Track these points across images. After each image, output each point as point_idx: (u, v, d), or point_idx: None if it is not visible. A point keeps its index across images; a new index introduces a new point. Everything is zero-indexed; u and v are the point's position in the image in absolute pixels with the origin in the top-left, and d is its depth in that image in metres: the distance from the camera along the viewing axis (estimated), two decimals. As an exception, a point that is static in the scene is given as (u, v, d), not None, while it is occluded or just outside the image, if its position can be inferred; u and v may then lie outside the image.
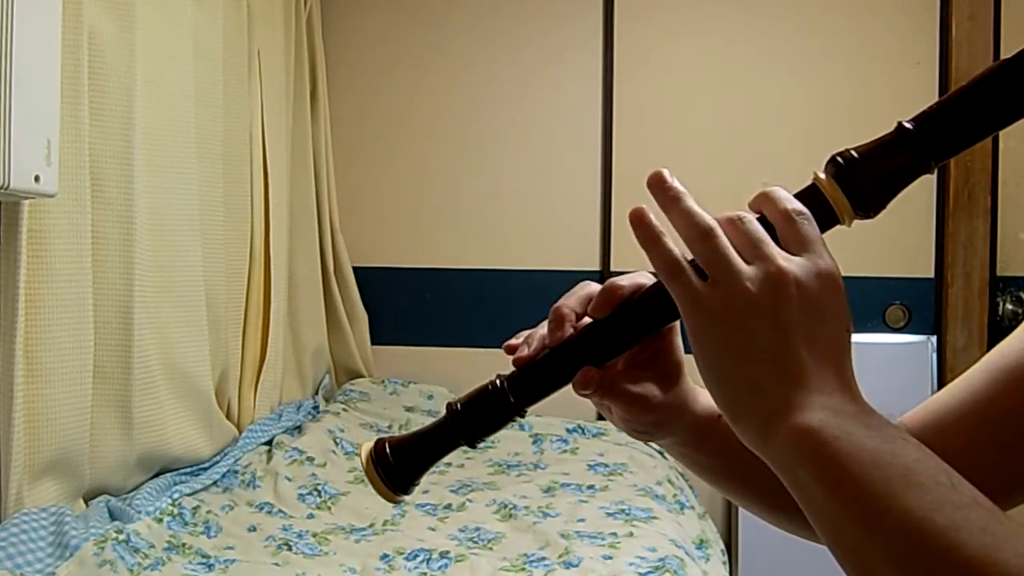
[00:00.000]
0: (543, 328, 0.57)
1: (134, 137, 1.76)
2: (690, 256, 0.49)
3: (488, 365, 0.59)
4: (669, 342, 0.59)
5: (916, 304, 2.74)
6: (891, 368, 2.67)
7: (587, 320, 0.57)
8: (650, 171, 0.50)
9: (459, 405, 0.56)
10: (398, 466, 0.55)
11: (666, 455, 2.43)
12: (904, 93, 2.69)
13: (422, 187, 2.94)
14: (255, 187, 2.34)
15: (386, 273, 2.96)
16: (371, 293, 2.92)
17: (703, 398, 0.62)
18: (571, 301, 0.57)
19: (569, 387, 0.56)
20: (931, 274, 2.73)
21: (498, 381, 0.56)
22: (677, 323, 0.57)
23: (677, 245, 0.49)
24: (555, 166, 2.88)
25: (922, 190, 2.69)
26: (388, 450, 0.56)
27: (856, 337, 2.98)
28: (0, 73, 1.30)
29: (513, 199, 2.90)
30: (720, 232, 0.48)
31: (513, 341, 0.58)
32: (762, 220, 0.49)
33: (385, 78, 2.94)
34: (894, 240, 2.72)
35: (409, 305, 2.96)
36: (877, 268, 2.73)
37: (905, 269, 2.74)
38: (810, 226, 0.48)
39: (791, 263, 0.46)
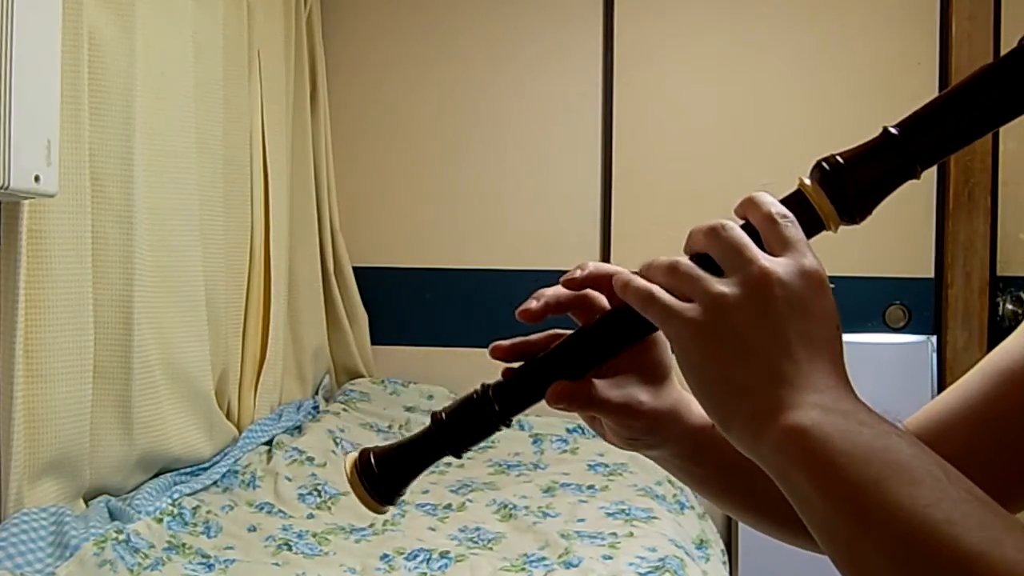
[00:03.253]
0: (556, 289, 0.57)
1: (134, 137, 1.75)
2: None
3: (488, 365, 0.58)
4: (651, 342, 0.58)
5: (916, 304, 2.73)
6: (891, 368, 2.67)
7: (607, 307, 0.57)
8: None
9: (444, 415, 0.55)
10: (383, 477, 0.55)
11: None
12: (904, 93, 2.69)
13: (422, 187, 2.94)
14: (255, 187, 2.34)
15: (386, 273, 2.96)
16: (371, 293, 2.92)
17: (697, 408, 0.60)
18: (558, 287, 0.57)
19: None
20: (931, 274, 2.73)
21: (483, 390, 0.55)
22: None
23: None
24: (555, 166, 2.88)
25: (922, 190, 2.70)
26: (373, 460, 0.55)
27: (856, 337, 2.95)
28: (0, 73, 1.30)
29: (513, 199, 2.90)
30: (684, 260, 0.49)
31: (531, 305, 0.57)
32: (747, 227, 0.49)
33: (385, 78, 2.94)
34: (894, 240, 2.72)
35: (409, 305, 2.96)
36: (877, 268, 2.73)
37: (905, 269, 2.74)
38: (793, 228, 0.48)
39: (773, 263, 0.46)
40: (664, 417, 0.58)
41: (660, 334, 0.57)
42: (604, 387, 0.56)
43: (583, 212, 2.86)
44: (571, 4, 2.86)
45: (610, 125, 2.85)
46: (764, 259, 0.46)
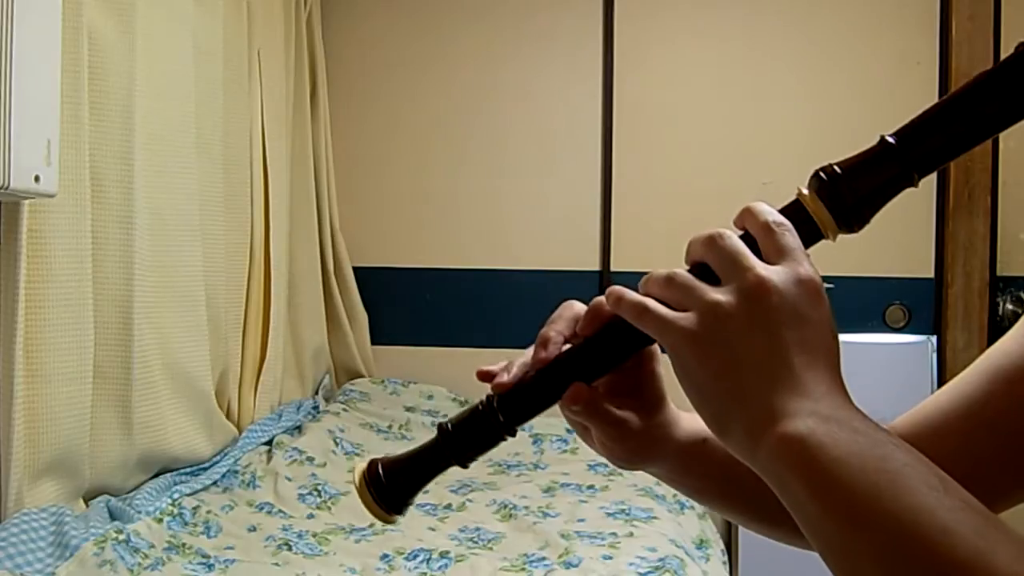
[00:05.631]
0: (526, 354, 0.57)
1: (134, 137, 1.75)
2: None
3: (488, 365, 0.59)
4: (650, 371, 0.59)
5: (916, 304, 2.74)
6: (891, 368, 2.67)
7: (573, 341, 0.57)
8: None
9: (450, 425, 0.57)
10: (391, 486, 0.56)
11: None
12: (904, 93, 2.69)
13: (422, 187, 2.94)
14: (255, 187, 2.34)
15: (386, 273, 2.96)
16: (371, 293, 2.92)
17: (684, 423, 0.61)
18: (558, 325, 0.57)
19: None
20: (931, 274, 2.73)
21: (488, 401, 0.56)
22: (659, 352, 0.57)
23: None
24: (555, 166, 2.88)
25: (922, 190, 2.67)
26: (381, 471, 0.56)
27: (856, 337, 2.94)
28: (0, 73, 1.30)
29: (513, 199, 2.90)
30: (680, 271, 0.49)
31: (491, 368, 0.57)
32: (746, 236, 0.49)
33: (385, 78, 2.94)
34: (894, 240, 2.72)
35: (409, 305, 2.96)
36: (877, 268, 2.73)
37: (905, 269, 2.74)
38: (790, 236, 0.48)
39: (769, 271, 0.46)
40: (653, 439, 0.60)
41: (658, 365, 0.59)
42: (605, 401, 0.58)
43: (583, 212, 2.86)
44: (571, 4, 2.86)
45: (610, 125, 2.85)
46: (760, 267, 0.46)
